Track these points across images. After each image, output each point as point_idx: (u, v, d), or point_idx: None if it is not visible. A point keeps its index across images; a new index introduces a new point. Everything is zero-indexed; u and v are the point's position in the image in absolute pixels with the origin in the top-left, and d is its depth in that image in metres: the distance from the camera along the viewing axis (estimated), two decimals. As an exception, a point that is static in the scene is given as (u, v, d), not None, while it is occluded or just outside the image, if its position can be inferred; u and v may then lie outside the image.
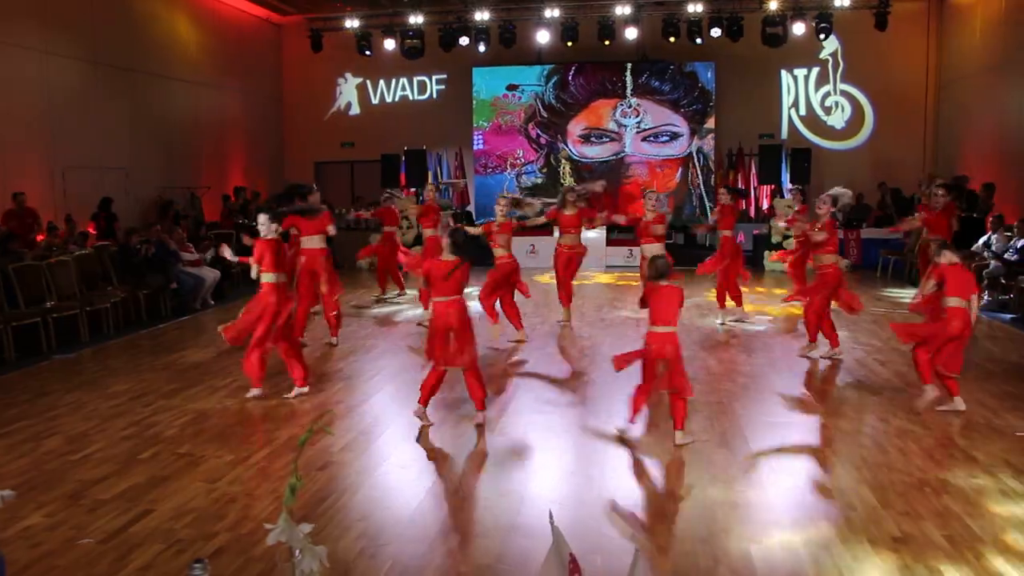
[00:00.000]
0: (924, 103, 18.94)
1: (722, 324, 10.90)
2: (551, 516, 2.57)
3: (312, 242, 9.40)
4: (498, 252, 9.71)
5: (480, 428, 6.79)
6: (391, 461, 6.25)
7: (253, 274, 7.72)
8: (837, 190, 9.02)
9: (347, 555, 4.59)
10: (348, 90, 21.11)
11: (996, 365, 8.88)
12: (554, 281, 11.24)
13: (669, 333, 6.29)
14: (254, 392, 7.72)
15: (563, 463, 6.13)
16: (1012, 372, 8.55)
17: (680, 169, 19.45)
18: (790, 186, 17.04)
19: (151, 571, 4.42)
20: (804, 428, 6.93)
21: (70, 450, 6.36)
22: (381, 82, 20.94)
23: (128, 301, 11.70)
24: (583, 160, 19.84)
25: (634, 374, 6.64)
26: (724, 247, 10.89)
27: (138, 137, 15.17)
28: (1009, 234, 12.29)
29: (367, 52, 19.23)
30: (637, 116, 19.46)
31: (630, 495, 5.53)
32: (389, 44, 19.04)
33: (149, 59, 15.56)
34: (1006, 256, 11.95)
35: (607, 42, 18.13)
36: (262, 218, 7.72)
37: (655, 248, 9.86)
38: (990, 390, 7.82)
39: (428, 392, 6.83)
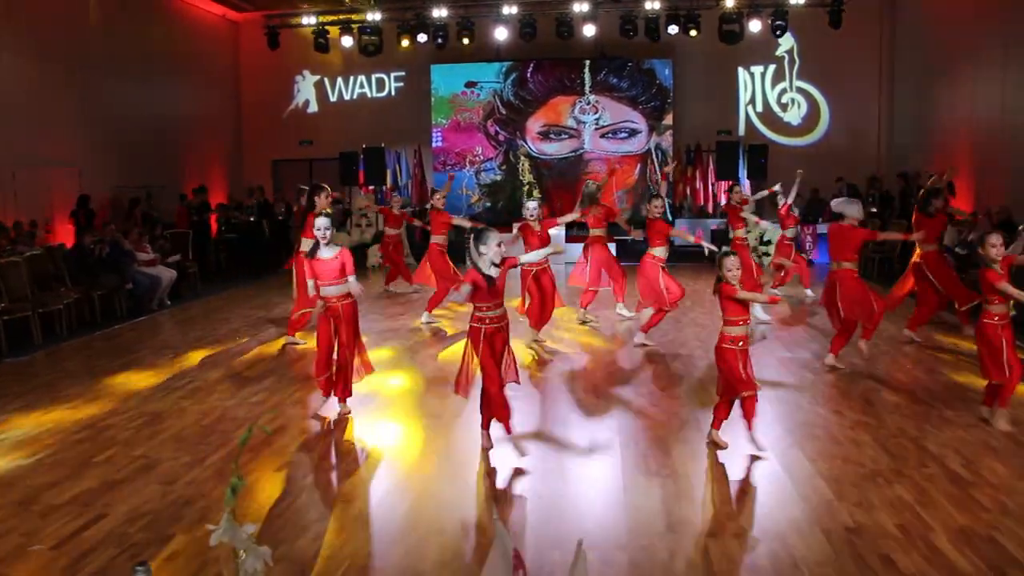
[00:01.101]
0: (878, 99, 19.21)
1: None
2: (495, 513, 2.58)
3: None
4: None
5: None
6: (349, 460, 6.23)
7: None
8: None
9: (304, 555, 4.57)
10: (306, 88, 20.95)
11: (946, 354, 9.03)
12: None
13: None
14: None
15: (520, 460, 6.12)
16: (962, 363, 8.69)
17: (639, 165, 19.54)
18: (747, 182, 17.23)
19: (104, 576, 4.37)
20: (759, 421, 6.98)
21: (21, 455, 6.25)
22: (339, 80, 20.81)
23: (82, 302, 11.53)
24: (542, 157, 19.86)
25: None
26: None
27: (91, 135, 14.92)
28: (960, 228, 12.49)
29: (325, 50, 19.11)
30: (596, 113, 19.52)
31: (586, 490, 5.55)
32: (347, 41, 18.94)
33: (102, 56, 15.32)
34: (956, 250, 12.15)
35: (565, 39, 18.17)
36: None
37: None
38: (940, 380, 7.97)
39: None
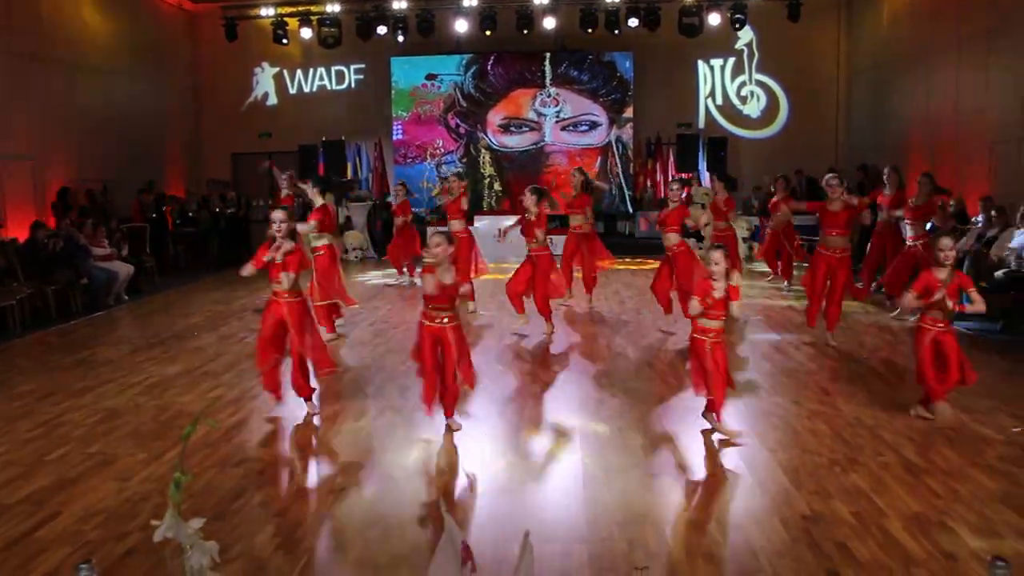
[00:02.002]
0: (836, 92, 19.41)
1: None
2: (442, 505, 2.57)
3: None
4: (535, 245, 9.71)
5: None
6: (307, 456, 6.19)
7: None
8: None
9: (263, 551, 4.53)
10: (265, 80, 20.73)
11: (903, 345, 9.16)
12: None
13: None
14: None
15: (482, 453, 6.13)
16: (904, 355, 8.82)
17: (599, 158, 19.59)
18: (708, 175, 17.37)
19: None
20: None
21: (-27, 453, 6.14)
22: (298, 72, 20.61)
23: (36, 297, 11.33)
24: (503, 150, 19.83)
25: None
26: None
27: (46, 127, 14.65)
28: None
29: (284, 41, 18.94)
30: (556, 106, 19.52)
31: (546, 484, 5.57)
32: (306, 33, 18.78)
33: (56, 46, 15.03)
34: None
35: (526, 32, 18.17)
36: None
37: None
38: (895, 370, 8.09)
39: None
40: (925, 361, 6.48)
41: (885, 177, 11.24)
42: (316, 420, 6.88)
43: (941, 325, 6.49)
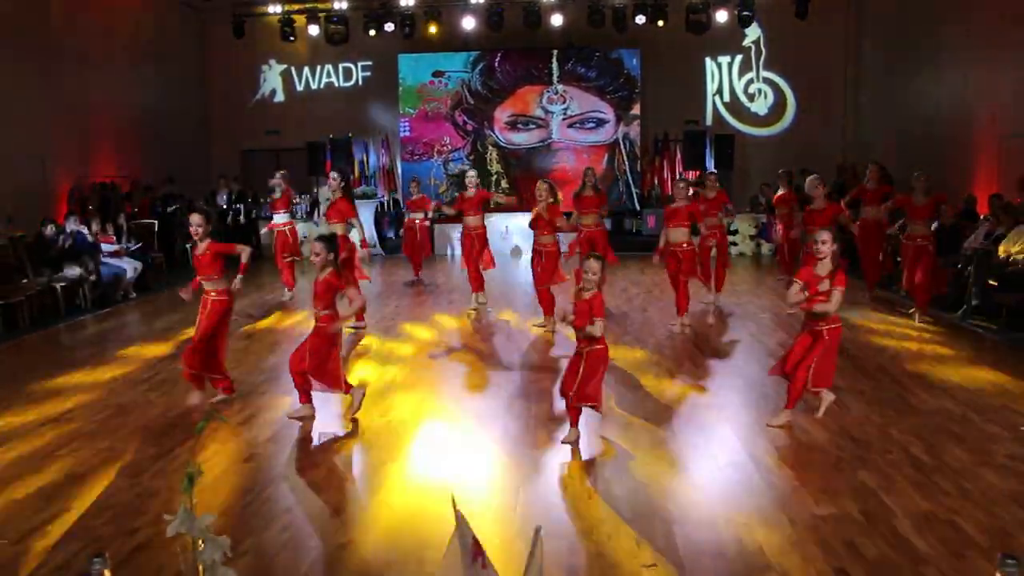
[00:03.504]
0: (843, 91, 19.36)
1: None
2: (454, 501, 2.58)
3: None
4: (547, 239, 9.78)
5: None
6: (317, 451, 6.20)
7: None
8: None
9: (271, 547, 4.55)
10: (272, 77, 20.75)
11: (910, 343, 9.15)
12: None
13: None
14: None
15: (486, 450, 6.14)
16: (924, 351, 8.82)
17: (606, 155, 19.57)
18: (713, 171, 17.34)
19: (68, 571, 4.32)
20: (725, 409, 7.05)
21: (-17, 448, 6.17)
22: (306, 69, 20.62)
23: (45, 294, 11.37)
24: (510, 147, 19.82)
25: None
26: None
27: (56, 124, 14.67)
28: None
29: (291, 38, 18.95)
30: (563, 103, 19.50)
31: (551, 479, 5.58)
32: (313, 30, 18.78)
33: (65, 44, 15.05)
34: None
35: (533, 29, 18.14)
36: None
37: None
38: (902, 368, 8.07)
39: None
40: (793, 353, 6.46)
41: (868, 173, 11.65)
42: (324, 415, 6.89)
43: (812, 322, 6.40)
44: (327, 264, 6.52)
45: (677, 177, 11.26)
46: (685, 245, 9.68)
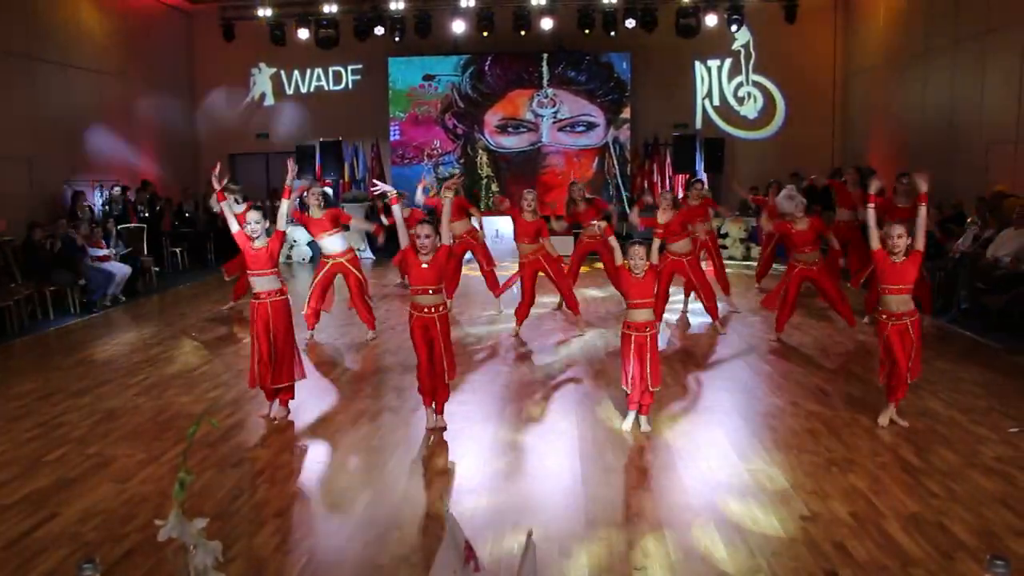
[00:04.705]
0: (832, 94, 19.42)
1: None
2: (446, 505, 2.58)
3: None
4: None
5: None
6: (308, 456, 6.19)
7: None
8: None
9: (262, 550, 4.54)
10: (262, 80, 20.69)
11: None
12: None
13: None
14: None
15: (480, 452, 6.14)
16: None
17: (596, 159, 19.59)
18: (703, 176, 17.40)
19: (57, 576, 4.31)
20: (716, 412, 7.06)
21: (-29, 453, 6.14)
22: (296, 72, 20.57)
23: (33, 298, 11.33)
24: (500, 150, 19.83)
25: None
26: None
27: (41, 127, 14.63)
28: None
29: (281, 42, 18.91)
30: (554, 106, 19.53)
31: (544, 482, 5.58)
32: (303, 33, 18.74)
33: (52, 46, 15.01)
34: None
35: (523, 32, 18.17)
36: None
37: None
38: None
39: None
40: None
41: (845, 177, 11.90)
42: (313, 420, 6.88)
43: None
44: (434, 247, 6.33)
45: (661, 191, 11.19)
46: (687, 257, 9.80)
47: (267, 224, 6.96)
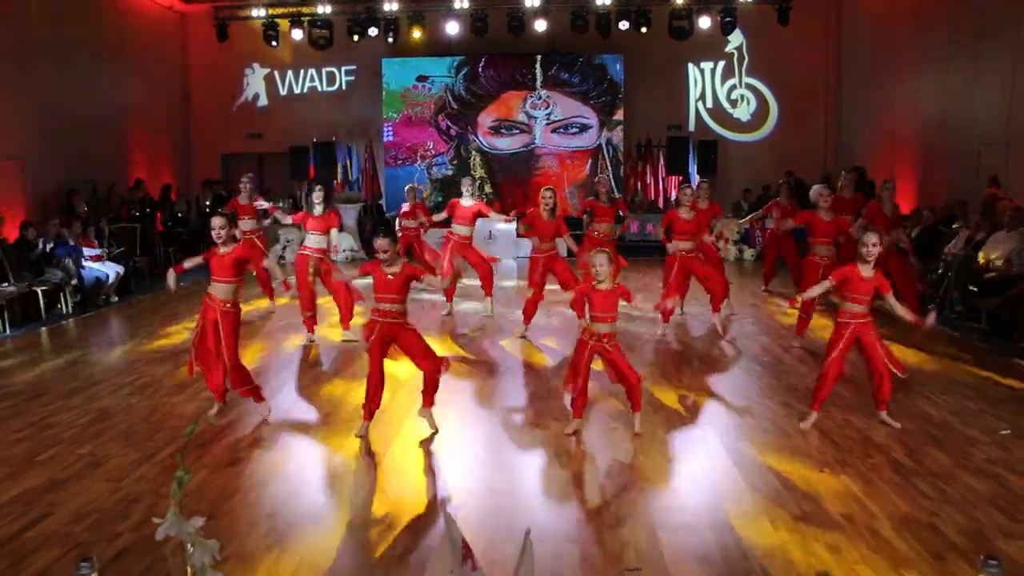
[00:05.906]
0: (825, 97, 19.47)
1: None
2: (444, 504, 2.59)
3: None
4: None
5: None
6: (301, 456, 6.19)
7: None
8: None
9: (255, 551, 4.54)
10: (255, 81, 20.67)
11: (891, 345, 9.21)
12: None
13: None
14: None
15: (474, 452, 6.15)
16: (906, 356, 8.86)
17: (589, 160, 19.62)
18: (699, 179, 17.37)
19: (49, 576, 4.30)
20: (709, 414, 7.08)
21: (-37, 453, 6.12)
22: (289, 73, 20.56)
23: (26, 298, 11.29)
24: (493, 152, 19.85)
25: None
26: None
27: (35, 127, 14.57)
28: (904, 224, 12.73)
29: (274, 42, 18.89)
30: (547, 108, 19.55)
31: (538, 483, 5.59)
32: (297, 34, 18.71)
33: (45, 46, 14.96)
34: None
35: (517, 34, 18.17)
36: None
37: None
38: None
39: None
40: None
41: (842, 181, 11.63)
42: (307, 422, 6.88)
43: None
44: (396, 258, 6.39)
45: (682, 185, 11.00)
46: (694, 253, 9.78)
47: (233, 230, 6.98)
